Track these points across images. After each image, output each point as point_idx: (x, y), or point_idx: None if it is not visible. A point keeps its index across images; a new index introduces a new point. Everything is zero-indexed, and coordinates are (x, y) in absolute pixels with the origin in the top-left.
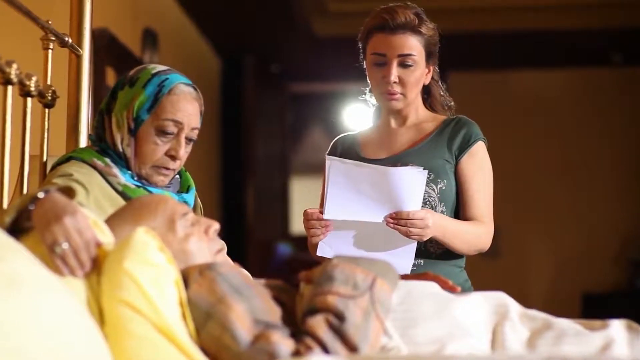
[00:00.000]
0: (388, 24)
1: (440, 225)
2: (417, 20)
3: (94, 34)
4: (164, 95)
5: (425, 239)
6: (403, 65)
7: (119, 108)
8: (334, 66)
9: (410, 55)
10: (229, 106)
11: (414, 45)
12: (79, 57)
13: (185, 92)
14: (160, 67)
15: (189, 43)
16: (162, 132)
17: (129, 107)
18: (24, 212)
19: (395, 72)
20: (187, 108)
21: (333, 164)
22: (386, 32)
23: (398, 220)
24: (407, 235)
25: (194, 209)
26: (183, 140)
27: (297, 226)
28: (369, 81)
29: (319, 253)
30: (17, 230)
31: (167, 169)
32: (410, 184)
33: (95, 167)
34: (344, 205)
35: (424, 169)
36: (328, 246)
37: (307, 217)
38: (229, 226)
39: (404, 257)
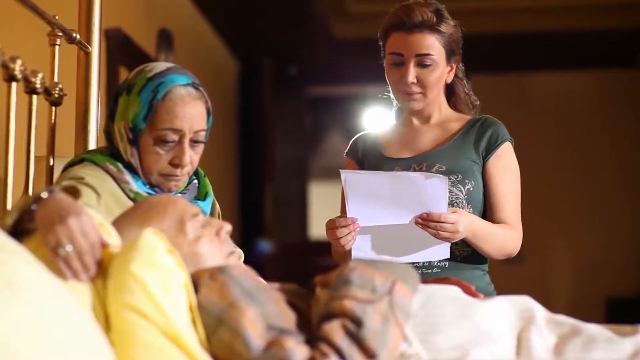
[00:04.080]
0: (405, 23)
1: (472, 228)
2: (435, 18)
3: (107, 34)
4: (159, 101)
5: (454, 240)
6: (421, 65)
7: (118, 118)
8: (354, 68)
9: (428, 55)
10: (246, 109)
11: (432, 44)
12: (88, 54)
13: (182, 94)
14: (159, 69)
15: (206, 45)
16: (161, 141)
17: (125, 117)
18: (26, 213)
19: (413, 72)
20: (185, 112)
21: (348, 177)
22: (403, 31)
23: (428, 222)
24: (436, 236)
25: (211, 217)
26: (186, 147)
27: (315, 231)
28: (387, 81)
29: None
30: (19, 231)
31: (176, 176)
32: (432, 190)
33: (108, 172)
34: (367, 214)
35: (449, 170)
36: (362, 252)
37: (334, 225)
38: (247, 231)
39: (441, 247)
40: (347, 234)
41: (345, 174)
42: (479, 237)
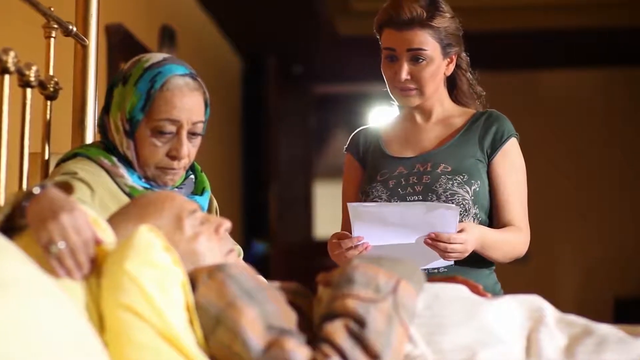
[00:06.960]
0: (393, 19)
1: (480, 241)
2: (425, 13)
3: (108, 30)
4: (157, 91)
5: (462, 258)
6: (414, 60)
7: (114, 110)
8: (359, 67)
9: (420, 50)
10: (250, 108)
11: (424, 40)
12: (85, 48)
13: (180, 85)
14: (156, 59)
15: (209, 42)
16: (159, 132)
17: (122, 108)
18: (18, 209)
19: (406, 68)
20: (183, 103)
21: (353, 210)
22: (394, 27)
23: (436, 243)
24: (445, 258)
25: (209, 212)
26: (184, 138)
27: (320, 231)
28: (384, 77)
29: None
30: (10, 228)
31: (173, 169)
32: (440, 220)
33: (102, 166)
34: (374, 241)
35: (455, 170)
36: None
37: (341, 248)
38: (252, 230)
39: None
40: (357, 254)
41: (351, 206)
42: (486, 248)
